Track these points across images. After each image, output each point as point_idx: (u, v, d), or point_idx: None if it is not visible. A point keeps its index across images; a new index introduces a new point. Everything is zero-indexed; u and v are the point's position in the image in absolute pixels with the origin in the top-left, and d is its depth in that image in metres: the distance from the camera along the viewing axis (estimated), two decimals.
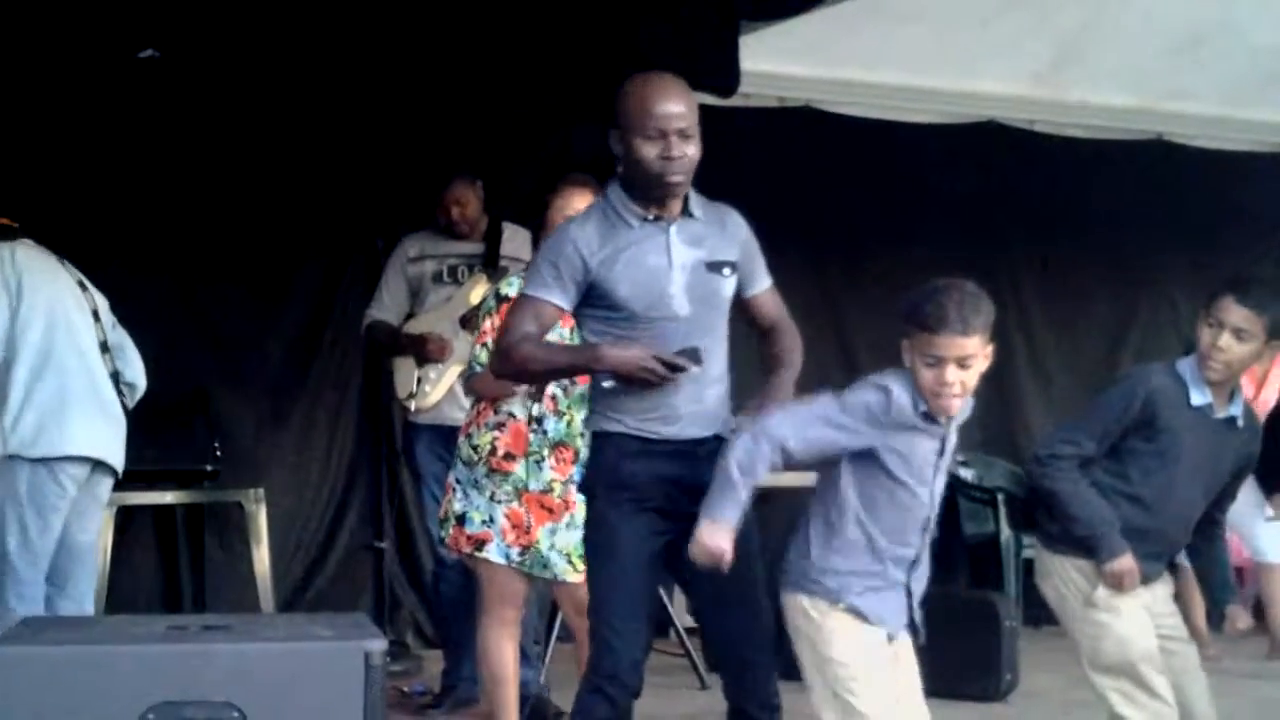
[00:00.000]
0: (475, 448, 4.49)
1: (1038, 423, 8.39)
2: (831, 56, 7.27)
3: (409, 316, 5.95)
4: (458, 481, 4.55)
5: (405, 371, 5.83)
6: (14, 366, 4.98)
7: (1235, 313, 3.84)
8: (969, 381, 3.41)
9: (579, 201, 4.32)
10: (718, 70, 6.62)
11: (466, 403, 5.60)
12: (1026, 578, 7.19)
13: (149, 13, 6.04)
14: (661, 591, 6.30)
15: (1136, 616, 3.89)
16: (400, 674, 6.09)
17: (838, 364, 8.02)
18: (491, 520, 4.46)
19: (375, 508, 7.02)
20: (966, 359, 3.38)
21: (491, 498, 4.45)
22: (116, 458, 5.14)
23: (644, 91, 3.55)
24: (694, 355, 3.53)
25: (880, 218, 7.92)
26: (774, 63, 7.04)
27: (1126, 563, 3.81)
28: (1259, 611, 7.23)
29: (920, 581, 3.53)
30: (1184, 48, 7.35)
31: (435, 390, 5.71)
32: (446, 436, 5.64)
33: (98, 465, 5.09)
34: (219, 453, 6.25)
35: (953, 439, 3.51)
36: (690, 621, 6.66)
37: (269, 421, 6.84)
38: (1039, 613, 7.36)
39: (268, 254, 6.73)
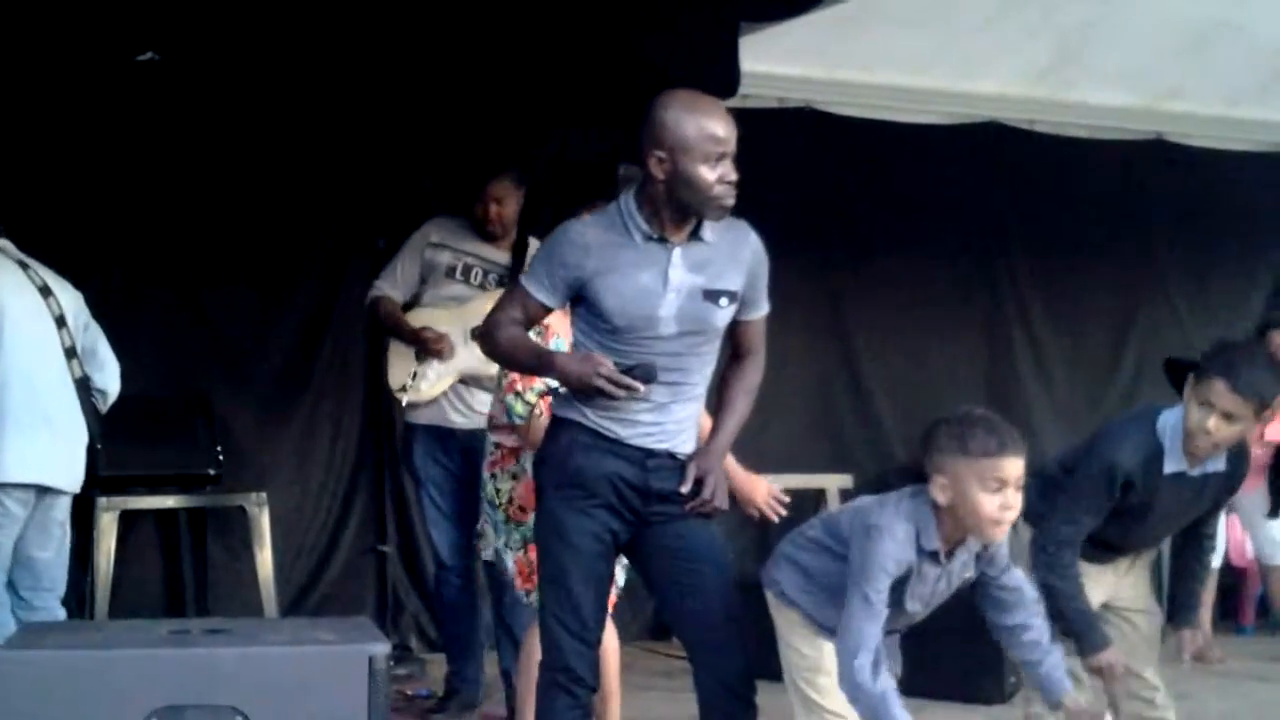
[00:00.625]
0: (497, 491, 4.49)
1: (1041, 425, 8.37)
2: (831, 57, 7.27)
3: (410, 303, 5.81)
4: (488, 514, 4.56)
5: (401, 362, 5.71)
6: None
7: (1226, 399, 3.77)
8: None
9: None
10: (717, 71, 6.61)
11: (466, 406, 5.62)
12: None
13: (148, 15, 6.04)
14: None
15: None
16: (404, 677, 6.10)
17: (839, 364, 8.04)
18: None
19: (378, 511, 7.01)
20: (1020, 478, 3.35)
21: (506, 543, 4.46)
22: (64, 479, 4.95)
23: (700, 112, 3.55)
24: (647, 373, 3.53)
25: (881, 218, 7.92)
26: (774, 64, 7.05)
27: (1108, 657, 3.83)
28: (1264, 609, 7.24)
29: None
30: (1184, 48, 7.35)
31: (431, 388, 5.64)
32: (444, 439, 5.62)
33: (45, 489, 4.91)
34: (221, 456, 6.24)
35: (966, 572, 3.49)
36: None
37: (271, 425, 6.83)
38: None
39: (269, 257, 6.73)
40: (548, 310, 3.67)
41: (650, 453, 3.61)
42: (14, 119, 6.19)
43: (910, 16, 6.80)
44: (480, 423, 4.95)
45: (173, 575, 6.75)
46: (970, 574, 3.46)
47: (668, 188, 3.53)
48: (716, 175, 3.51)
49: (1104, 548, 3.99)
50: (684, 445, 3.67)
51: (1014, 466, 3.27)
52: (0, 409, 4.77)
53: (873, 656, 3.27)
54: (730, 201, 3.56)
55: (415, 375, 5.62)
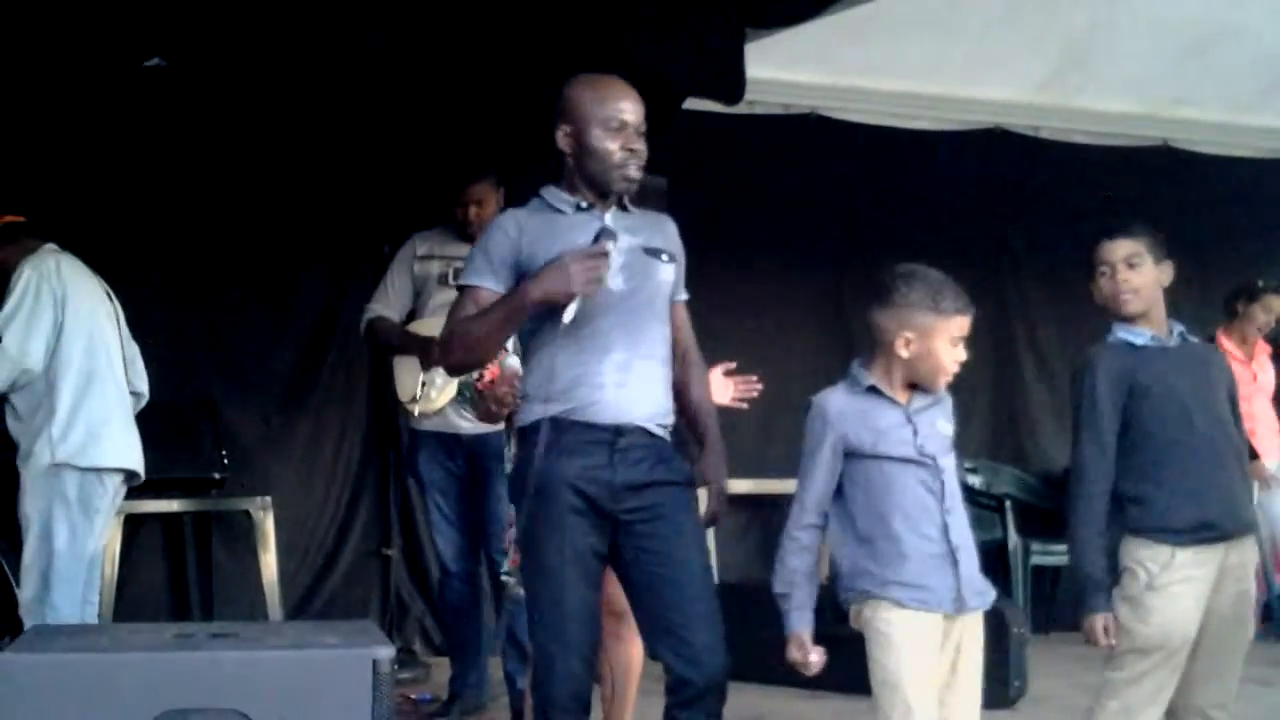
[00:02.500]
0: None
1: (1045, 429, 8.39)
2: (837, 64, 7.28)
3: (410, 317, 5.82)
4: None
5: (408, 374, 5.69)
6: (61, 379, 5.11)
7: (1116, 249, 4.03)
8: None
9: None
10: (723, 78, 6.62)
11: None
12: (1035, 584, 7.20)
13: (155, 22, 6.05)
14: None
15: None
16: (408, 681, 6.10)
17: (843, 370, 8.00)
18: None
19: (382, 515, 7.02)
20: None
21: None
22: (143, 468, 5.34)
23: (601, 86, 3.62)
24: (608, 233, 3.51)
25: (886, 224, 7.92)
26: (780, 70, 7.05)
27: (1099, 622, 3.82)
28: (1269, 614, 7.22)
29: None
30: (1189, 54, 7.35)
31: (441, 395, 5.63)
32: (449, 445, 5.61)
33: (129, 475, 5.27)
34: (226, 461, 6.25)
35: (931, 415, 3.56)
36: None
37: (276, 429, 6.85)
38: (1047, 619, 7.40)
39: (274, 262, 6.74)
40: (496, 294, 3.58)
41: (619, 430, 3.51)
42: (21, 125, 6.21)
43: (915, 23, 6.81)
44: (485, 428, 4.94)
45: (177, 579, 6.76)
46: (949, 426, 3.55)
47: (576, 160, 3.60)
48: (618, 144, 3.54)
49: (1186, 498, 3.85)
50: (658, 417, 3.58)
51: (969, 323, 3.51)
52: (106, 404, 5.18)
53: (808, 518, 3.49)
54: (634, 172, 3.56)
55: (424, 385, 5.62)
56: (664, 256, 3.63)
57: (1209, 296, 8.77)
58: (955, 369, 3.51)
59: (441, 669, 6.34)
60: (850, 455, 3.51)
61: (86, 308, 5.21)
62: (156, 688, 3.19)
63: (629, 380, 3.54)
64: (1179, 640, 3.83)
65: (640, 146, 3.57)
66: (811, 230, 7.75)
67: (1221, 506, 3.89)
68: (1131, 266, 4.00)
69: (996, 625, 5.95)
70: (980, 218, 8.11)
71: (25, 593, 5.10)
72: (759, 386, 4.66)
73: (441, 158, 6.82)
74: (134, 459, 5.27)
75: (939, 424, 3.53)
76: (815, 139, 7.69)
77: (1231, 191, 8.58)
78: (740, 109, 6.96)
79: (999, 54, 7.25)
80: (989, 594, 3.53)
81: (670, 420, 3.65)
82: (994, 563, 7.81)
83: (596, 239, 3.49)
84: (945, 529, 3.43)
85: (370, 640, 3.39)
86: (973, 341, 8.88)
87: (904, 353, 3.52)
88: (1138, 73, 7.57)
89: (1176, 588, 3.82)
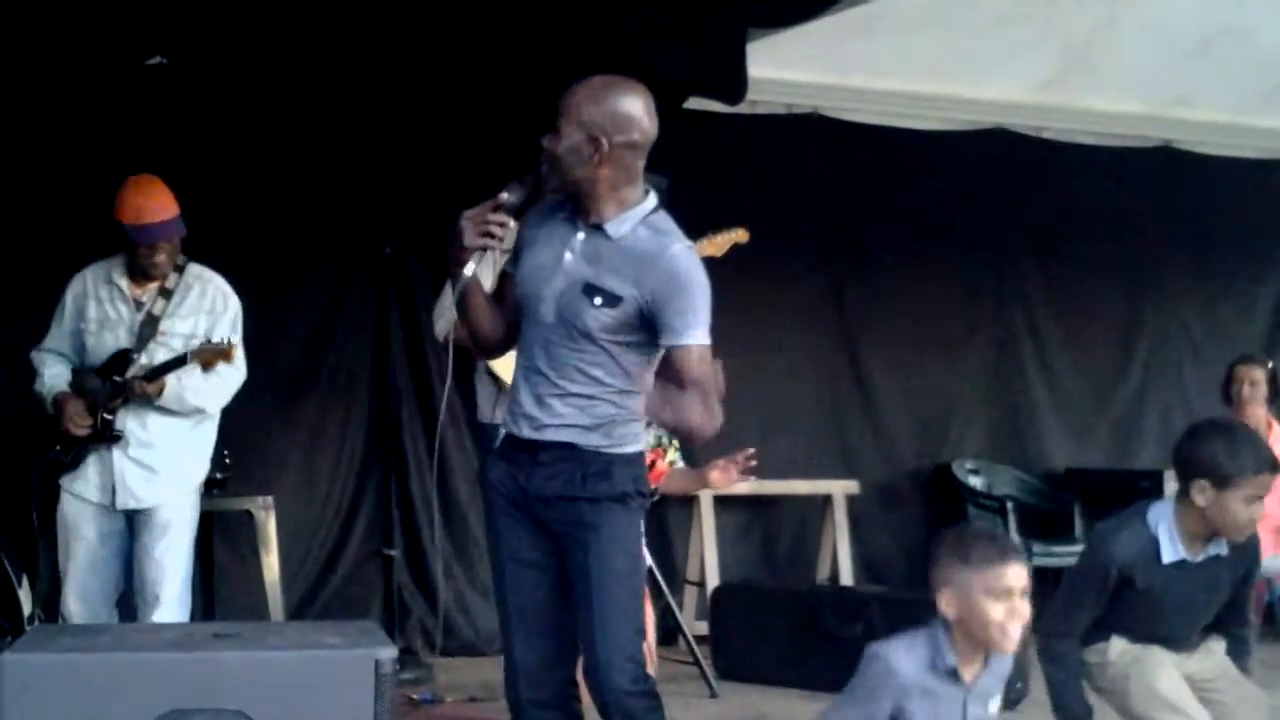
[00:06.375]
0: None
1: (1048, 430, 8.39)
2: (839, 63, 7.28)
3: None
4: None
5: (486, 392, 5.26)
6: None
7: (1265, 481, 3.85)
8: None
9: None
10: (725, 77, 6.63)
11: None
12: (1037, 586, 7.17)
13: (157, 20, 6.05)
14: (671, 599, 6.35)
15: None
16: (410, 682, 6.09)
17: (846, 370, 8.03)
18: None
19: (384, 515, 7.02)
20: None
21: None
22: None
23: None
24: (510, 187, 3.50)
25: (888, 224, 7.93)
26: (781, 70, 7.05)
27: None
28: (1270, 615, 7.21)
29: None
30: (1192, 54, 7.35)
31: None
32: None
33: None
34: (228, 460, 6.25)
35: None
36: (700, 630, 6.67)
37: (278, 429, 6.84)
38: None
39: (276, 261, 6.72)
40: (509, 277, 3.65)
41: (541, 445, 3.49)
42: (21, 122, 6.21)
43: (918, 22, 6.80)
44: None
45: None
46: (995, 707, 3.39)
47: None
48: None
49: (1155, 640, 4.04)
50: (581, 438, 3.50)
51: (1017, 574, 3.25)
52: None
53: None
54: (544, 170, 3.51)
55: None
56: (597, 300, 3.43)
57: (1210, 296, 8.80)
58: (1013, 624, 3.25)
59: (442, 669, 6.35)
60: None
61: None
62: (160, 687, 3.20)
63: (542, 417, 3.52)
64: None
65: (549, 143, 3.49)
66: (813, 230, 7.74)
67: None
68: (1260, 501, 3.89)
69: None
70: (982, 218, 8.11)
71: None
72: (754, 461, 4.76)
73: (425, 167, 6.83)
74: None
75: (990, 705, 3.42)
76: (817, 139, 7.69)
77: (1233, 192, 8.59)
78: (742, 108, 6.97)
79: (1001, 54, 7.24)
80: None
81: (603, 445, 3.53)
82: None
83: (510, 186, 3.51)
84: None
85: (373, 641, 3.40)
86: (973, 342, 8.86)
87: (949, 613, 3.26)
88: (1141, 73, 7.57)
89: (1142, 660, 3.98)
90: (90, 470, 5.09)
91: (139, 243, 5.06)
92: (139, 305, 5.13)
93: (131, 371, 5.04)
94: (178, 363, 5.00)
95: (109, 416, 5.06)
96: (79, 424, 5.04)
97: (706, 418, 3.41)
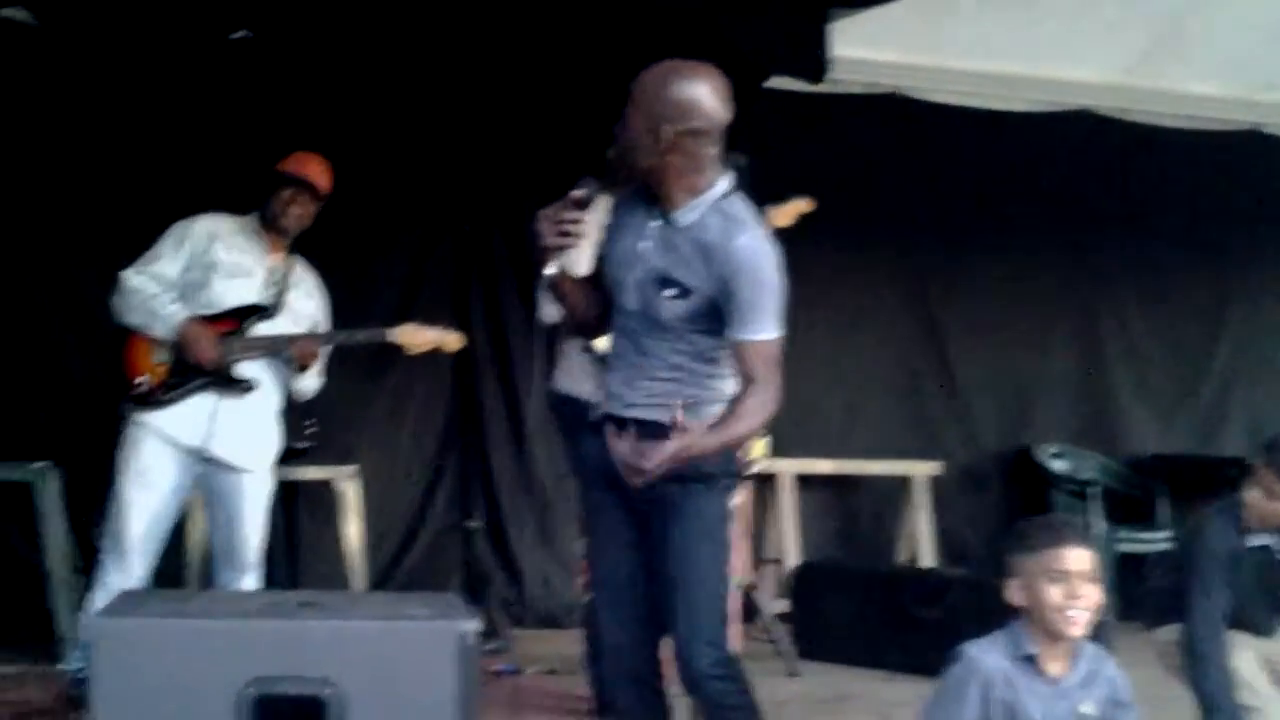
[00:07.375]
0: None
1: (1133, 415, 8.31)
2: (921, 43, 7.23)
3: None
4: None
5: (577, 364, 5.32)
6: None
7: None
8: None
9: None
10: (805, 56, 6.62)
11: None
12: (1121, 571, 7.10)
13: None
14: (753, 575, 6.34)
15: None
16: (489, 654, 6.14)
17: (928, 351, 7.99)
18: None
19: (465, 487, 7.07)
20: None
21: None
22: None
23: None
24: (585, 183, 3.51)
25: (970, 206, 7.88)
26: (862, 49, 7.02)
27: None
28: None
29: None
30: None
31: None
32: None
33: None
34: (311, 430, 6.31)
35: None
36: (780, 608, 6.67)
37: (361, 400, 6.90)
38: (1135, 608, 7.32)
39: (358, 235, 6.76)
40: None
41: (626, 423, 3.49)
42: (109, 99, 6.31)
43: (1001, 2, 6.76)
44: None
45: None
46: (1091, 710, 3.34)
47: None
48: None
49: (1236, 625, 4.14)
50: (667, 418, 3.44)
51: (1076, 557, 3.24)
52: None
53: None
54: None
55: None
56: (668, 291, 3.46)
57: None
58: (1072, 606, 3.24)
59: (522, 641, 6.40)
60: None
61: None
62: (245, 654, 3.24)
63: (628, 395, 3.58)
64: None
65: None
66: (894, 210, 7.71)
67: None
68: None
69: None
70: (1066, 201, 8.03)
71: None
72: None
73: (525, 137, 6.87)
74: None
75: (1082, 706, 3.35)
76: (898, 119, 7.65)
77: None
78: (823, 88, 6.95)
79: (1087, 35, 7.17)
80: None
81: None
82: None
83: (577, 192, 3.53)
84: None
85: (456, 613, 3.43)
86: (1057, 325, 8.77)
87: (1018, 600, 3.31)
88: (1228, 56, 7.46)
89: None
90: (188, 409, 4.98)
91: (288, 183, 5.15)
92: (271, 271, 5.18)
93: (260, 329, 5.07)
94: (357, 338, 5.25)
95: (234, 360, 5.04)
96: (208, 356, 4.96)
97: (760, 414, 3.45)
